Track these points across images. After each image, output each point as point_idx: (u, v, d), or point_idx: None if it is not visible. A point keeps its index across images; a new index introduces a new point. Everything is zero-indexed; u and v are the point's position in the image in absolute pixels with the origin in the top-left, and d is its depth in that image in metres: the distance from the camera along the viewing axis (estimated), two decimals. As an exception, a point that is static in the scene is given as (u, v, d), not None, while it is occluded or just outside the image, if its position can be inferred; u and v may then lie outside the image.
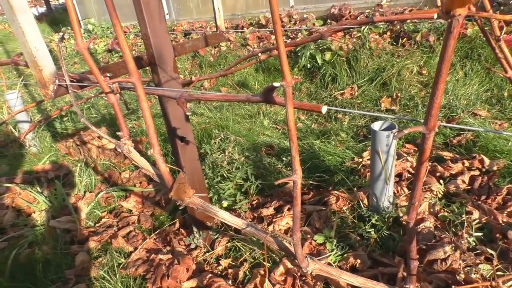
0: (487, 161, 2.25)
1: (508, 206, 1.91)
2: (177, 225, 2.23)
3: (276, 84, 0.91)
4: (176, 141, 1.82)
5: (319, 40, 4.15)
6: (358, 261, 1.69)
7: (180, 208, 1.86)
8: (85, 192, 2.67)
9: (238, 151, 2.32)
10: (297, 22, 5.19)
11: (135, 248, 2.11)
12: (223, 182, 2.19)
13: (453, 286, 1.46)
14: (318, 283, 1.64)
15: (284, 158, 2.53)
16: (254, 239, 1.90)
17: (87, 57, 1.10)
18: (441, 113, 3.06)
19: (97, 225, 2.39)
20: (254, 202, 2.27)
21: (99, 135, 1.22)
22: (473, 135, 2.62)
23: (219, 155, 2.24)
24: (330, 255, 1.75)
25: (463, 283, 1.49)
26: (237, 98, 1.05)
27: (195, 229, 2.05)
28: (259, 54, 2.20)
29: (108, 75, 1.36)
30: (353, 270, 1.69)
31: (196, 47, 2.07)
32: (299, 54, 4.21)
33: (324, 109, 0.90)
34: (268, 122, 3.41)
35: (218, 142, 2.30)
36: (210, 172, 2.21)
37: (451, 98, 3.26)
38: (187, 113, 1.11)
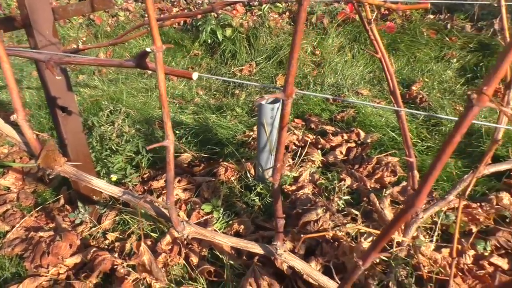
0: (362, 134, 2.49)
1: (376, 174, 2.14)
2: (62, 201, 2.12)
3: (148, 49, 0.90)
4: (57, 112, 1.72)
5: (221, 16, 4.16)
6: (242, 226, 1.78)
7: (49, 178, 1.77)
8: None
9: (129, 123, 2.26)
10: (199, -5, 5.12)
11: (12, 227, 1.97)
12: (112, 156, 2.13)
13: (323, 243, 1.63)
14: (204, 249, 1.70)
15: (177, 132, 2.53)
16: (143, 211, 1.89)
17: None
18: (330, 91, 3.29)
19: (-33, 203, 2.17)
20: (145, 176, 2.24)
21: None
22: (355, 112, 2.87)
23: (108, 128, 2.16)
24: (216, 222, 1.81)
25: (331, 241, 1.66)
26: (110, 62, 1.03)
27: (80, 204, 1.98)
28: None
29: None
30: (238, 235, 1.77)
31: (80, 11, 1.94)
32: (200, 29, 4.17)
33: (195, 75, 0.92)
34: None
35: (107, 114, 2.21)
36: (97, 145, 2.13)
37: (339, 78, 3.51)
38: (57, 77, 1.05)
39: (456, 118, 0.66)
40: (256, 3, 4.40)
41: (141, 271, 1.41)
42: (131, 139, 2.15)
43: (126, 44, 4.35)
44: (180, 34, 4.33)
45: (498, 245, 1.74)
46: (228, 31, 4.05)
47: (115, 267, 1.59)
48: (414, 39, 3.66)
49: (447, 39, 3.68)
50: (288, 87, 0.84)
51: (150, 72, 3.78)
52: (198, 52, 4.16)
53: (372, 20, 1.57)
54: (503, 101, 1.53)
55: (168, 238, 1.70)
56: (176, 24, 4.56)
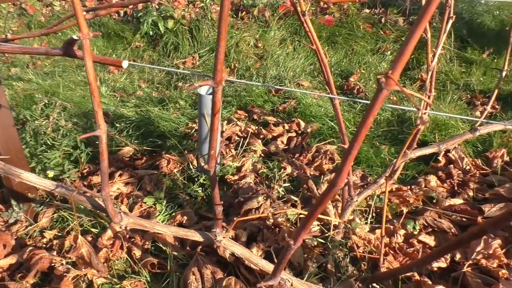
0: (303, 124, 2.57)
1: (316, 161, 2.23)
2: (-6, 200, 2.02)
3: (75, 36, 0.89)
4: (-16, 105, 1.63)
5: (162, 7, 4.09)
6: (185, 218, 1.79)
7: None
8: None
9: (65, 117, 2.18)
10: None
11: None
12: (48, 151, 2.05)
13: (264, 230, 1.68)
14: (147, 243, 1.70)
15: (118, 125, 2.48)
16: (82, 207, 1.85)
17: None
18: (272, 83, 3.35)
19: None
20: (85, 171, 2.18)
21: None
22: (296, 103, 2.95)
23: (42, 122, 2.08)
24: (159, 214, 1.81)
25: (272, 227, 1.71)
26: (36, 51, 1.00)
27: (14, 203, 1.89)
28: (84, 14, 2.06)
29: None
30: (181, 226, 1.78)
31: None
32: (141, 21, 4.08)
33: (125, 63, 0.92)
34: (106, 89, 3.26)
35: (42, 108, 2.13)
36: (31, 140, 2.04)
37: (281, 70, 3.58)
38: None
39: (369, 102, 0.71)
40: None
41: (81, 264, 1.38)
42: (68, 134, 2.08)
43: (62, 35, 4.17)
44: (120, 25, 4.21)
45: (426, 224, 1.88)
46: (170, 23, 4.00)
47: (54, 265, 1.55)
48: (351, 33, 3.81)
49: (382, 32, 3.86)
50: (217, 74, 0.87)
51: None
52: (139, 44, 4.07)
53: (306, 12, 1.62)
54: (430, 89, 1.66)
55: (109, 233, 1.68)
56: (116, 15, 4.43)
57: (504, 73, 1.65)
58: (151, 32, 4.07)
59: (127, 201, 1.91)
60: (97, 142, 2.21)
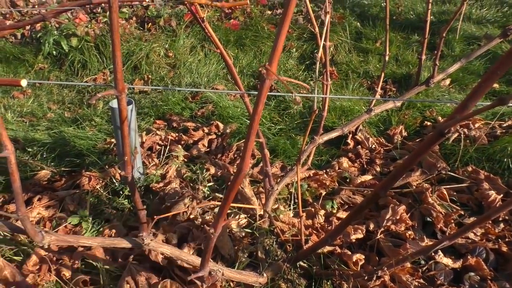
0: (221, 126, 2.67)
1: (237, 159, 2.33)
2: None
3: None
4: None
5: (63, 26, 3.95)
6: (114, 231, 1.79)
7: None
8: None
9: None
10: (36, 5, 4.77)
11: None
12: (-46, 186, 1.93)
13: (193, 230, 1.74)
14: (76, 262, 1.67)
15: (29, 149, 2.38)
16: (1, 236, 1.77)
17: None
18: (188, 90, 3.40)
19: None
20: (0, 200, 2.08)
21: None
22: (213, 107, 3.04)
23: None
24: (86, 232, 1.79)
25: (202, 226, 1.78)
26: None
27: None
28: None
29: None
30: (110, 240, 1.78)
31: None
32: (41, 41, 3.90)
33: (23, 82, 0.94)
34: (12, 115, 3.10)
35: None
36: None
37: (195, 77, 3.64)
38: None
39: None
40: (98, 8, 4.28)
41: (6, 286, 1.34)
42: (-26, 165, 1.97)
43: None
44: (19, 48, 4.00)
45: (343, 202, 2.06)
46: (74, 41, 3.88)
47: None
48: (257, 34, 3.99)
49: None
50: (118, 83, 0.92)
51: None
52: (43, 66, 3.89)
53: (204, 18, 1.71)
54: (326, 78, 1.82)
55: (34, 258, 1.63)
56: (13, 37, 4.20)
57: (387, 57, 1.87)
58: (54, 52, 3.92)
59: (50, 224, 1.86)
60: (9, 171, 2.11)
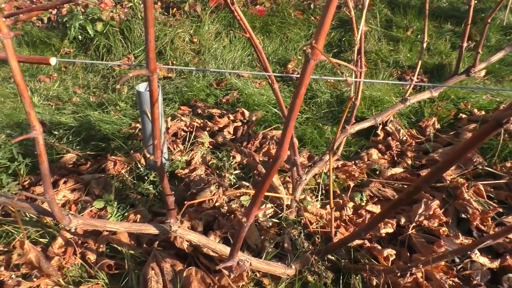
0: (247, 113, 2.61)
1: (263, 147, 2.28)
2: None
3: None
4: None
5: (88, 10, 3.95)
6: (139, 216, 1.77)
7: None
8: None
9: (-4, 130, 2.07)
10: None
11: None
12: (-18, 167, 1.94)
13: (219, 217, 1.70)
14: (101, 246, 1.66)
15: (56, 133, 2.38)
16: (27, 218, 1.77)
17: None
18: (212, 76, 3.36)
19: None
20: (26, 183, 2.08)
21: None
22: (238, 94, 2.98)
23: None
24: (111, 216, 1.78)
25: (227, 214, 1.74)
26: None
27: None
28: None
29: None
30: (135, 226, 1.76)
31: None
32: (67, 26, 3.91)
33: (53, 60, 0.90)
34: (39, 98, 3.11)
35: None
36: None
37: (220, 63, 3.59)
38: None
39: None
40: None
41: (30, 270, 1.33)
42: (2, 146, 1.97)
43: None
44: (45, 32, 4.02)
45: (372, 195, 1.99)
46: (99, 26, 3.87)
47: (2, 280, 1.48)
48: (284, 21, 3.90)
49: (313, 18, 3.99)
50: (150, 63, 0.87)
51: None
52: (69, 50, 3.91)
53: (235, 1, 1.65)
54: (360, 65, 1.75)
55: (60, 241, 1.62)
56: (39, 22, 4.22)
57: (424, 44, 1.78)
58: (80, 37, 3.92)
59: (75, 208, 1.85)
60: (36, 152, 2.12)
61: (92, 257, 1.58)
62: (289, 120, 0.80)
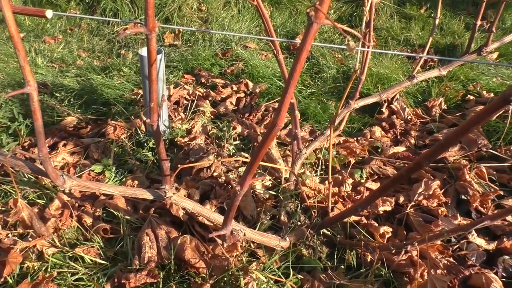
0: (251, 85, 2.57)
1: (265, 120, 2.25)
2: None
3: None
4: None
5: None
6: (136, 182, 1.76)
7: None
8: None
9: (-2, 89, 2.05)
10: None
11: None
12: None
13: (216, 187, 1.69)
14: (98, 210, 1.66)
15: (57, 95, 2.36)
16: (25, 179, 1.77)
17: None
18: (218, 46, 3.30)
19: None
20: (26, 144, 2.08)
21: None
22: (243, 65, 2.93)
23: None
24: (109, 181, 1.77)
25: (225, 184, 1.73)
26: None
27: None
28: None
29: None
30: (132, 191, 1.76)
31: None
32: (74, -14, 3.84)
33: (49, 13, 0.87)
34: (42, 60, 3.08)
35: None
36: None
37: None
38: None
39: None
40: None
41: (22, 228, 1.34)
42: (3, 105, 1.96)
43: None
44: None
45: (372, 172, 1.97)
46: (107, -12, 3.79)
47: (-1, 239, 1.49)
48: (294, -8, 3.80)
49: (325, -9, 3.87)
50: (149, 20, 0.84)
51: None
52: (75, 12, 3.84)
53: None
54: (368, 39, 1.70)
55: (56, 202, 1.62)
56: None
57: (437, 21, 1.72)
58: (87, -1, 3.85)
59: (73, 171, 1.85)
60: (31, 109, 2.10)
61: (88, 220, 1.58)
62: (289, 86, 0.77)
